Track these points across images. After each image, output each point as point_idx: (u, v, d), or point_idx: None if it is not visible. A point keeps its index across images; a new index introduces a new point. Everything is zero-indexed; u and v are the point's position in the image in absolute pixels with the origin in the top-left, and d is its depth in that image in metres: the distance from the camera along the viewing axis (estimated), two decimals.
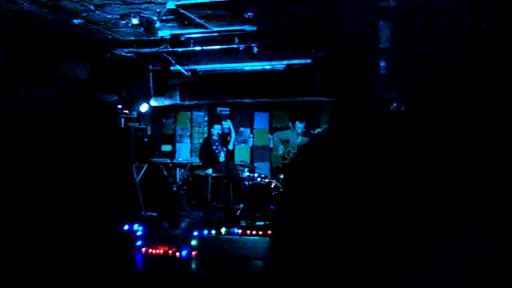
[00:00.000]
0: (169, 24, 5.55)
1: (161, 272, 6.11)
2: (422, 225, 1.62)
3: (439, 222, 1.79)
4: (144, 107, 8.80)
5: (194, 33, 5.90)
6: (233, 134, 8.60)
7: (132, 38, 6.25)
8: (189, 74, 8.02)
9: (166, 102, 9.48)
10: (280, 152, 7.65)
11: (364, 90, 1.79)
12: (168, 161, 8.77)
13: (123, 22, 5.39)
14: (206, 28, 5.63)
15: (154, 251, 6.67)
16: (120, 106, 8.35)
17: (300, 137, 7.62)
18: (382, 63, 4.94)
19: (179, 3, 4.72)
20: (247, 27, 5.60)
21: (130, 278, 5.85)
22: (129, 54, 6.65)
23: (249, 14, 5.09)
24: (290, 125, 8.27)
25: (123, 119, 8.54)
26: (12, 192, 5.89)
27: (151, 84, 8.05)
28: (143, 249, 6.71)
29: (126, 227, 7.12)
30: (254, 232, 6.72)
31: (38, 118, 6.53)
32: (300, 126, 7.58)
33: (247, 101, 9.35)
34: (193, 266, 6.37)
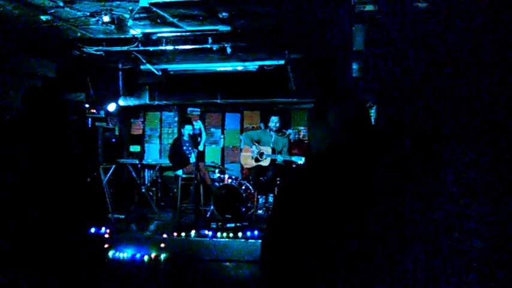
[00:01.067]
0: (141, 23, 5.43)
1: (129, 276, 6.01)
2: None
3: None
4: (112, 107, 8.62)
5: (166, 32, 5.81)
6: (204, 134, 8.51)
7: (102, 36, 6.09)
8: (160, 73, 7.91)
9: (135, 101, 9.33)
10: (255, 153, 7.52)
11: (337, 92, 1.80)
12: (137, 161, 8.62)
13: (94, 19, 5.24)
14: (179, 27, 5.55)
15: (121, 254, 6.54)
16: (87, 105, 8.15)
17: (273, 136, 7.51)
18: (355, 66, 4.90)
19: (152, 1, 4.63)
20: (221, 27, 5.55)
21: (97, 283, 5.71)
22: (99, 53, 6.47)
23: (224, 14, 5.04)
24: (262, 126, 8.24)
25: (90, 119, 8.34)
26: None
27: (120, 83, 7.89)
28: (110, 253, 6.57)
29: (92, 230, 6.95)
30: (225, 234, 6.67)
31: (2, 116, 6.31)
32: (274, 120, 7.46)
33: (219, 101, 9.28)
34: (161, 269, 6.28)
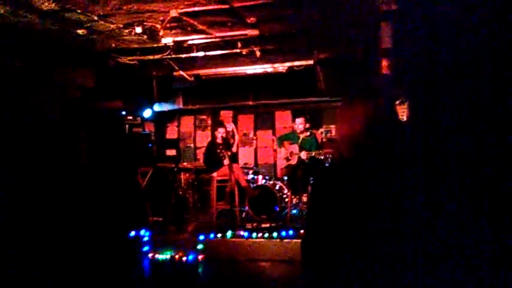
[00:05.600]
0: (172, 32, 5.59)
1: (168, 277, 6.17)
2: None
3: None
4: (147, 113, 8.86)
5: (197, 39, 5.94)
6: (236, 136, 8.67)
7: (136, 46, 6.29)
8: (192, 78, 8.08)
9: (170, 107, 9.55)
10: (284, 153, 7.69)
11: (365, 90, 1.82)
12: (173, 165, 8.82)
13: (127, 31, 5.43)
14: (209, 34, 5.67)
15: (161, 256, 6.72)
16: (124, 112, 8.40)
17: (300, 136, 7.63)
18: (384, 63, 4.94)
19: (182, 11, 4.77)
20: (250, 32, 5.63)
21: (138, 284, 5.90)
22: (133, 62, 6.69)
23: (251, 19, 5.14)
24: (293, 126, 8.34)
25: (127, 125, 8.59)
26: (18, 199, 5.95)
27: (154, 90, 8.11)
28: (150, 255, 6.77)
29: (132, 233, 7.18)
30: (260, 234, 6.77)
31: (44, 126, 6.59)
32: (298, 121, 7.61)
33: (250, 103, 9.41)
34: (200, 270, 6.42)
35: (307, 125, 7.69)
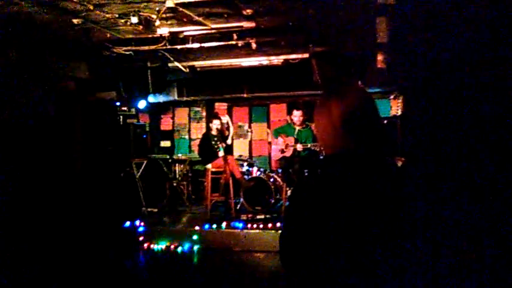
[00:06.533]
0: (168, 22, 5.57)
1: (163, 268, 6.19)
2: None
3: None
4: (142, 104, 8.84)
5: (193, 30, 5.93)
6: (231, 128, 8.69)
7: (131, 37, 6.26)
8: (187, 70, 8.06)
9: (165, 98, 9.53)
10: (280, 145, 7.71)
11: (342, 84, 1.76)
12: (168, 156, 8.83)
13: (122, 21, 5.41)
14: (205, 25, 5.65)
15: (156, 247, 6.75)
16: (118, 103, 8.38)
17: (296, 128, 7.65)
18: (380, 58, 4.99)
19: (178, 1, 4.76)
20: (246, 24, 5.63)
21: (132, 274, 5.92)
22: (128, 53, 6.67)
23: (248, 10, 5.13)
24: (288, 119, 8.35)
25: (121, 116, 8.58)
26: (13, 191, 5.94)
27: (149, 81, 8.08)
28: (145, 245, 6.79)
29: (127, 224, 7.20)
30: (255, 225, 6.81)
31: (38, 117, 6.56)
32: (297, 114, 7.63)
33: (245, 95, 9.41)
34: (195, 260, 6.45)
35: (305, 117, 7.73)
